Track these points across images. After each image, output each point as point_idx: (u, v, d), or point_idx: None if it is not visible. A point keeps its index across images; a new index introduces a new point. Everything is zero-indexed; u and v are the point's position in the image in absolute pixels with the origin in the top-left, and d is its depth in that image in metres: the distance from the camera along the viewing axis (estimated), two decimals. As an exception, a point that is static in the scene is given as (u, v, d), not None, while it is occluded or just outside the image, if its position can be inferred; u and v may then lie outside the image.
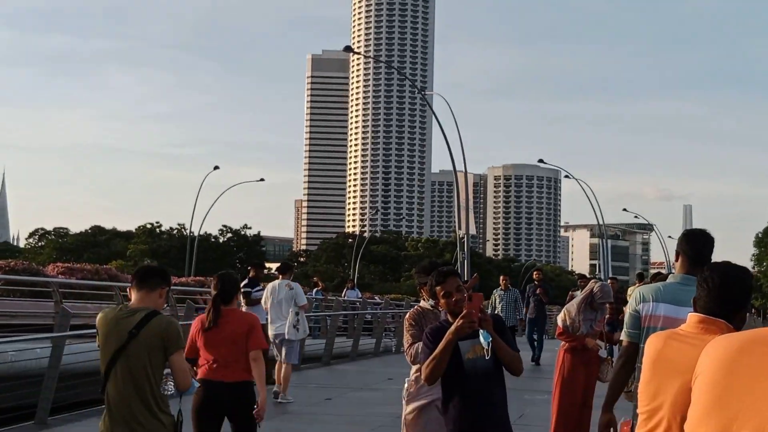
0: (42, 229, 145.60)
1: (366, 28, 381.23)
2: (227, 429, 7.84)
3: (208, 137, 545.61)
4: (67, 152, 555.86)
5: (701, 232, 5.89)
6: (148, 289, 6.26)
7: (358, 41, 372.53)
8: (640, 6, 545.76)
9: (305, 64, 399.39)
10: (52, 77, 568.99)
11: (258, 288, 16.83)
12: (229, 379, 7.57)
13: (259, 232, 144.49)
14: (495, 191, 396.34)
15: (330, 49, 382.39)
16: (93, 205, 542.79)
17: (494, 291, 24.25)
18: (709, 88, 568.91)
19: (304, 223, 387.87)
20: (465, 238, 42.93)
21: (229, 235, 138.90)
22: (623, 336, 5.86)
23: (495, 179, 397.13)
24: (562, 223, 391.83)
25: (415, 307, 7.59)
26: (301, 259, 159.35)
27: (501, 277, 24.84)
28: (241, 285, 12.00)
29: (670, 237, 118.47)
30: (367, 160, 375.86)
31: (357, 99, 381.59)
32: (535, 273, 25.55)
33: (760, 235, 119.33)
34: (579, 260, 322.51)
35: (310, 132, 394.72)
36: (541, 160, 72.50)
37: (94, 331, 6.49)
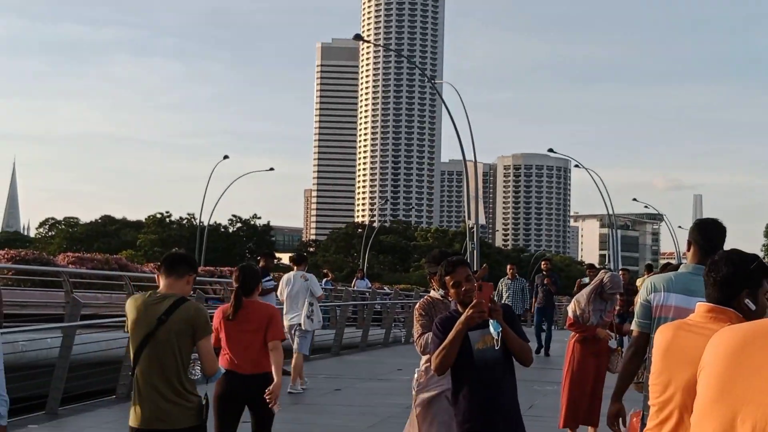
0: (52, 218, 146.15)
1: (376, 17, 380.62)
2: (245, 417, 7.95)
3: (217, 127, 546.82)
4: (77, 142, 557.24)
5: (713, 221, 5.86)
6: (176, 276, 6.39)
7: (368, 30, 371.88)
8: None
9: (314, 52, 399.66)
10: (61, 66, 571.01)
11: (268, 278, 16.90)
12: (250, 370, 7.75)
13: (268, 222, 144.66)
14: (504, 181, 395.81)
15: (339, 37, 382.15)
16: (103, 195, 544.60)
17: (501, 280, 24.23)
18: (720, 78, 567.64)
19: (314, 212, 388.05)
20: (474, 228, 42.90)
21: (239, 224, 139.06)
22: (633, 326, 5.84)
23: (504, 169, 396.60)
24: (571, 213, 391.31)
25: (425, 297, 7.58)
26: (311, 249, 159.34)
27: (508, 266, 24.83)
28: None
29: (680, 227, 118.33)
30: (376, 150, 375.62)
31: (366, 88, 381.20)
32: (543, 263, 25.50)
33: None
34: (588, 250, 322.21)
35: (320, 121, 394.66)
36: (551, 150, 72.37)
37: (105, 321, 6.56)
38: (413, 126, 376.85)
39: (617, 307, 19.39)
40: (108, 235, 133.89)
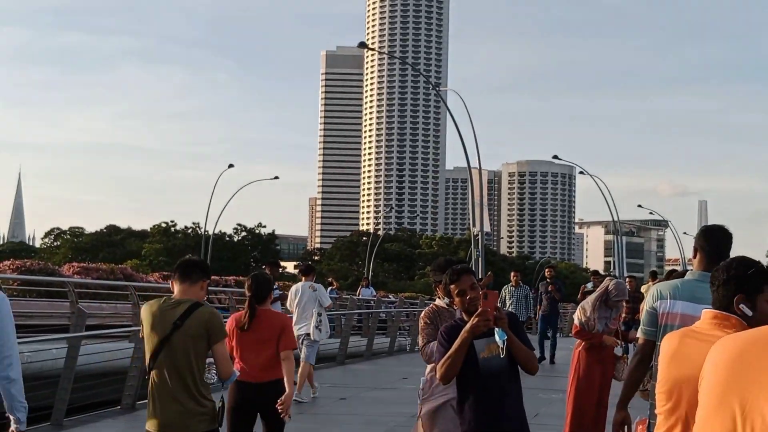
0: (58, 228, 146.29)
1: (380, 24, 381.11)
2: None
3: (222, 135, 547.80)
4: (82, 151, 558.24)
5: (719, 228, 5.83)
6: (190, 282, 6.50)
7: (372, 37, 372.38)
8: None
9: (319, 60, 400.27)
10: (68, 76, 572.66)
11: (274, 287, 16.93)
12: (263, 378, 7.82)
13: (273, 231, 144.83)
14: (509, 188, 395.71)
15: (344, 45, 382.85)
16: (108, 205, 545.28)
17: (504, 287, 24.22)
18: (724, 83, 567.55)
19: (319, 221, 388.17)
20: (479, 236, 42.88)
21: (244, 233, 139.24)
22: (639, 333, 5.82)
23: (509, 176, 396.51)
24: (576, 220, 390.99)
25: (431, 305, 7.57)
26: (316, 258, 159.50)
27: (512, 274, 24.80)
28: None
29: (685, 233, 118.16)
30: (381, 157, 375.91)
31: (371, 95, 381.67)
32: (546, 270, 25.47)
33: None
34: (593, 257, 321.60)
35: (324, 129, 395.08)
36: (555, 156, 72.33)
37: (110, 331, 6.70)
38: (418, 133, 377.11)
39: (623, 315, 19.36)
40: (113, 244, 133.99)
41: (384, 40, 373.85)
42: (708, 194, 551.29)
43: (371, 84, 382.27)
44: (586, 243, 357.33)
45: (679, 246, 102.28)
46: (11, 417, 5.71)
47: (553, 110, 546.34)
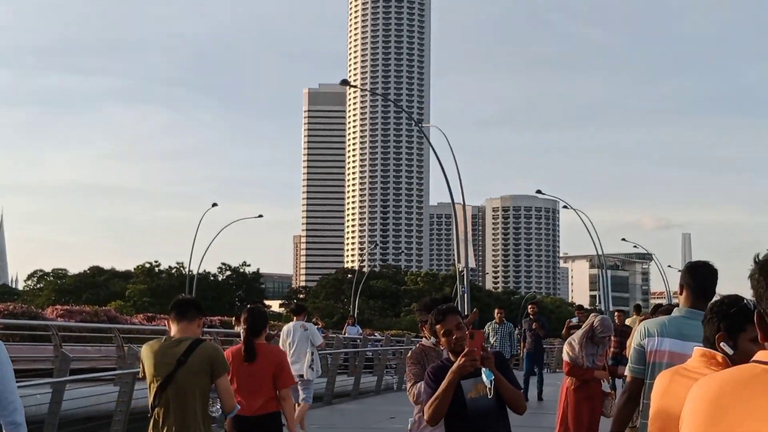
0: (40, 270, 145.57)
1: (362, 61, 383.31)
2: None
3: (206, 174, 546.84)
4: (65, 191, 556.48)
5: (704, 264, 5.85)
6: (187, 321, 6.73)
7: (355, 74, 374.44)
8: (636, 33, 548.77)
9: (302, 98, 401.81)
10: (50, 116, 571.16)
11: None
12: (260, 411, 7.91)
13: (258, 269, 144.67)
14: (494, 223, 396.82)
15: (326, 82, 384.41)
16: (91, 246, 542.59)
17: (488, 324, 24.16)
18: (706, 115, 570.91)
19: (303, 259, 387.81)
20: (464, 272, 42.86)
21: (228, 272, 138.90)
22: (627, 371, 5.82)
23: (493, 211, 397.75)
24: (561, 254, 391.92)
25: (417, 345, 7.56)
26: (301, 296, 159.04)
27: (496, 310, 24.77)
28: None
29: (669, 266, 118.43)
30: (365, 194, 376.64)
31: (354, 132, 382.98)
32: (530, 306, 25.44)
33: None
34: (579, 291, 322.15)
35: (308, 167, 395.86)
36: (539, 191, 72.58)
37: (95, 375, 6.85)
38: (401, 170, 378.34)
39: (612, 349, 19.36)
40: (97, 286, 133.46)
41: (366, 77, 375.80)
42: (691, 227, 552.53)
43: (354, 121, 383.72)
44: (571, 277, 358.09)
45: (664, 279, 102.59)
46: None
47: (536, 144, 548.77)
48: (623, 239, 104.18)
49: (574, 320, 22.02)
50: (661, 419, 3.53)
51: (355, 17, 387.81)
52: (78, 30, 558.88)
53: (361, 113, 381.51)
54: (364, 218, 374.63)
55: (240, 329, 8.80)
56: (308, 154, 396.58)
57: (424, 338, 7.55)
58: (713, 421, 2.48)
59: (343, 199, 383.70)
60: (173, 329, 6.72)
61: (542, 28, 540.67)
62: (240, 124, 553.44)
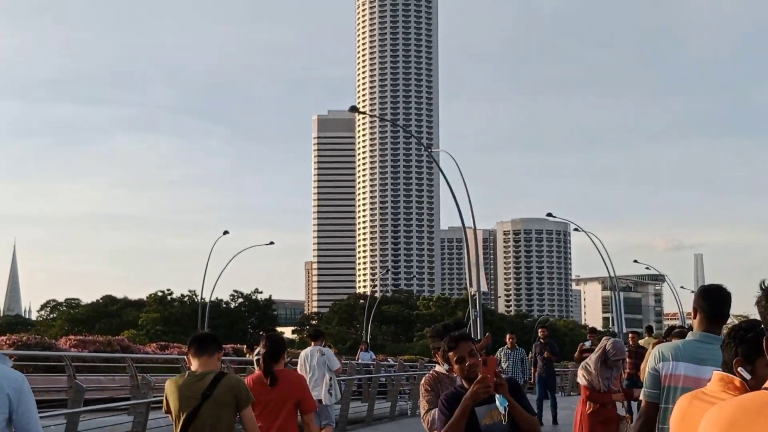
0: (53, 300, 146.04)
1: (371, 88, 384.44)
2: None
3: (217, 202, 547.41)
4: (76, 221, 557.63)
5: (717, 288, 5.84)
6: (208, 355, 6.90)
7: (364, 101, 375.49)
8: (645, 54, 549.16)
9: (311, 125, 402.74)
10: (60, 147, 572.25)
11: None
12: None
13: (270, 296, 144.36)
14: (505, 246, 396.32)
15: (335, 109, 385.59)
16: (104, 275, 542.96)
17: (500, 350, 24.04)
18: (717, 136, 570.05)
19: (315, 285, 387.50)
20: (477, 295, 42.80)
21: (240, 300, 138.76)
22: (642, 395, 5.80)
23: (504, 234, 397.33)
24: (573, 277, 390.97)
25: (431, 371, 7.53)
26: (313, 322, 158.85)
27: (507, 336, 24.67)
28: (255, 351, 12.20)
29: (682, 287, 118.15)
30: (375, 219, 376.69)
31: (364, 158, 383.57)
32: (540, 331, 25.32)
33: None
34: (592, 313, 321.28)
35: (318, 193, 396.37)
36: (549, 214, 72.50)
37: (109, 405, 6.96)
38: (411, 194, 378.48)
39: (627, 370, 19.29)
40: (110, 315, 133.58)
41: (375, 103, 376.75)
42: (703, 247, 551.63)
43: (363, 147, 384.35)
44: (584, 299, 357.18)
45: (677, 300, 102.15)
46: None
47: (546, 167, 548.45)
48: (635, 261, 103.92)
49: (587, 343, 21.97)
50: (681, 445, 3.50)
51: (363, 43, 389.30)
52: (87, 61, 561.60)
53: (371, 139, 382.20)
54: (376, 243, 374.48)
55: (252, 357, 8.85)
56: (318, 181, 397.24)
57: (437, 365, 7.54)
58: None
59: (354, 224, 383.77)
60: (194, 364, 6.87)
61: (550, 52, 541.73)
62: (249, 152, 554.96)
